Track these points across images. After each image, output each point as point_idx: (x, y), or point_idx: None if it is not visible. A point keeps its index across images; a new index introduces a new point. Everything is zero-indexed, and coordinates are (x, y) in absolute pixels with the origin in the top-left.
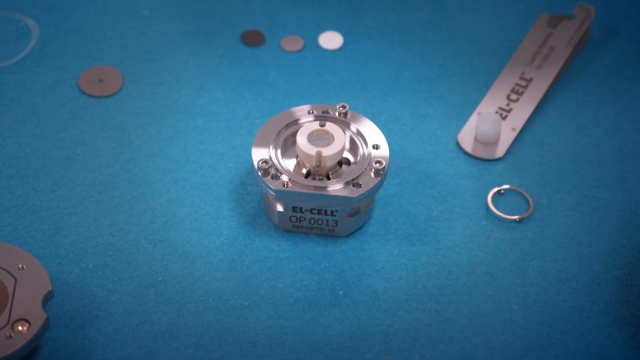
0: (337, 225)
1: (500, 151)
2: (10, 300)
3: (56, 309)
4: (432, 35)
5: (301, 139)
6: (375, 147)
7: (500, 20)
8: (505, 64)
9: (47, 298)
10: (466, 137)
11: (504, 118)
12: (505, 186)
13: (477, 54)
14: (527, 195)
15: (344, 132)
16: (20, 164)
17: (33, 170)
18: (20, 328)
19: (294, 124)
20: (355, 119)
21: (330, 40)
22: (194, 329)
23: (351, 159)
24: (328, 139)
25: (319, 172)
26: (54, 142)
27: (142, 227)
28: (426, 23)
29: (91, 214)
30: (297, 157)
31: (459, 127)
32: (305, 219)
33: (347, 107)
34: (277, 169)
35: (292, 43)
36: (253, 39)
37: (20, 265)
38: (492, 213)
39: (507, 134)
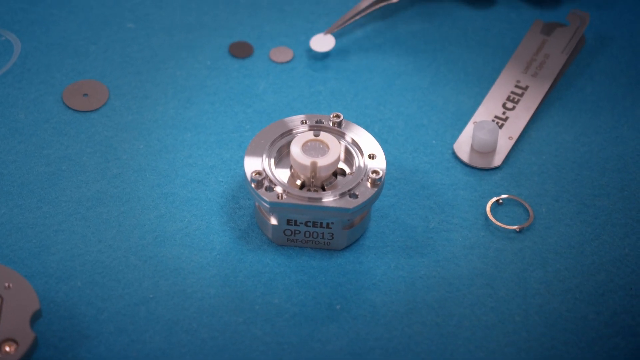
0: (332, 238)
1: (497, 160)
2: None
3: (44, 328)
4: (423, 44)
5: (295, 149)
6: (371, 157)
7: (492, 27)
8: (499, 72)
9: (35, 317)
10: (462, 146)
11: (500, 127)
12: (504, 196)
13: (470, 62)
14: (526, 205)
15: (339, 142)
16: (3, 181)
17: (17, 187)
18: (7, 348)
19: (288, 134)
20: (349, 129)
21: (322, 43)
22: (188, 347)
23: (346, 169)
24: (323, 149)
25: (313, 183)
26: (39, 158)
27: (132, 243)
28: (417, 32)
29: (78, 231)
30: (290, 168)
31: (455, 137)
32: (300, 232)
33: (342, 117)
34: (270, 181)
35: (281, 54)
36: (241, 50)
37: (6, 284)
38: (491, 223)
39: (504, 142)
